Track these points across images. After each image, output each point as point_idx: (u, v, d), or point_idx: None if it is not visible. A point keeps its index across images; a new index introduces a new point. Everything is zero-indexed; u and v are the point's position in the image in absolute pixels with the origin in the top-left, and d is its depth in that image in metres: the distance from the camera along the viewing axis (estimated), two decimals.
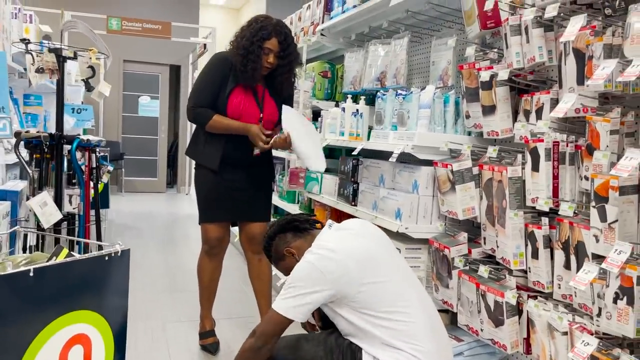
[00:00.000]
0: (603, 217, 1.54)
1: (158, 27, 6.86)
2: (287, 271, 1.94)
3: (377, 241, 1.93)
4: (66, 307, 1.28)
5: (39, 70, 2.66)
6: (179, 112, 9.89)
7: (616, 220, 1.49)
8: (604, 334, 1.61)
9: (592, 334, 1.60)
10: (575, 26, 1.62)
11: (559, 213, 1.73)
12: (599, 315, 1.56)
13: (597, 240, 1.57)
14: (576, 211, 1.72)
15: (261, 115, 2.60)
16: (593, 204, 1.57)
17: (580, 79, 1.73)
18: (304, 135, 2.59)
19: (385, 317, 1.74)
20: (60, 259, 1.33)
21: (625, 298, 1.44)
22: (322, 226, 2.01)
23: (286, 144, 2.52)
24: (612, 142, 1.61)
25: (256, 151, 2.59)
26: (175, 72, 9.71)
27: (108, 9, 8.15)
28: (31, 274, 1.17)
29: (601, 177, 1.54)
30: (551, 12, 1.72)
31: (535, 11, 1.83)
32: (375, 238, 1.94)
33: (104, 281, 1.38)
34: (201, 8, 9.56)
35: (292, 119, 2.57)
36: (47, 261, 1.31)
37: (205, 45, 7.63)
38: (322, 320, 2.07)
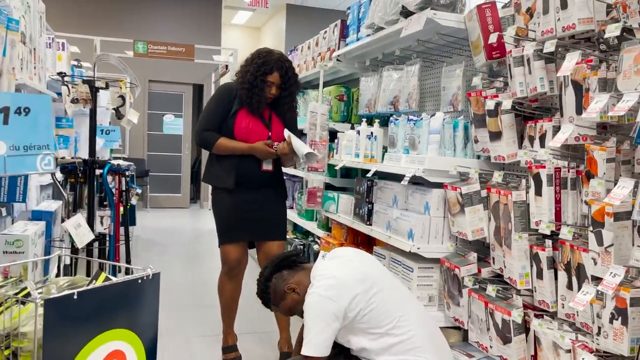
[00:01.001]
0: (600, 241, 1.64)
1: (182, 49, 7.11)
2: (289, 311, 2.06)
3: (370, 263, 2.06)
4: (104, 326, 1.42)
5: (74, 101, 2.85)
6: None
7: (612, 245, 1.59)
8: (604, 352, 1.69)
9: (592, 352, 1.68)
10: (571, 62, 1.73)
11: (559, 236, 1.82)
12: (598, 334, 1.65)
13: (595, 263, 1.66)
14: (576, 234, 1.81)
15: (270, 134, 2.77)
16: (591, 228, 1.67)
17: (579, 109, 1.83)
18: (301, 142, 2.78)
19: (389, 333, 1.86)
20: (99, 282, 1.48)
21: (620, 318, 1.53)
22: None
23: (289, 148, 2.69)
24: (609, 169, 1.71)
25: (267, 166, 2.75)
26: (198, 91, 9.99)
27: (135, 33, 8.47)
28: (75, 297, 1.32)
29: (597, 204, 1.63)
30: (549, 47, 1.83)
31: (535, 45, 1.95)
32: (368, 261, 2.07)
33: (137, 302, 1.53)
34: (223, 27, 9.84)
35: (295, 140, 2.75)
36: (88, 285, 1.46)
37: (227, 65, 7.86)
38: None
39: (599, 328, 1.64)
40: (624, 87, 1.59)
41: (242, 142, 2.73)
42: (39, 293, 1.48)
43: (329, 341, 1.86)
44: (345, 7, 7.31)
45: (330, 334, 1.86)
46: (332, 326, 1.84)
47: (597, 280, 1.65)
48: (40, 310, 1.29)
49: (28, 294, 1.41)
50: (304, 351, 1.86)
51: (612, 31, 1.57)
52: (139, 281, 1.53)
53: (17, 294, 1.40)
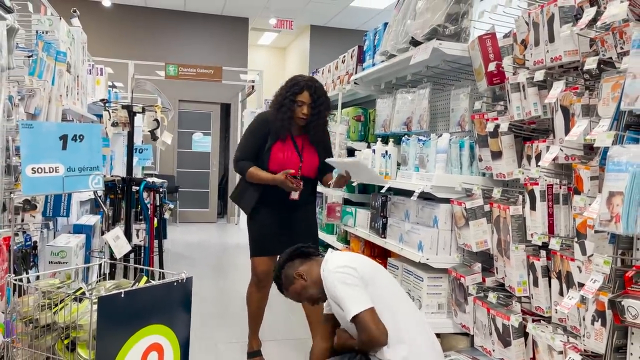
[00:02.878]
0: (583, 250, 1.82)
1: (210, 71, 7.48)
2: (298, 296, 2.27)
3: (372, 267, 2.26)
4: (145, 321, 1.67)
5: (114, 124, 3.16)
6: (229, 147, 10.50)
7: (592, 254, 1.76)
8: (592, 352, 1.86)
9: (579, 352, 1.85)
10: (556, 90, 1.92)
11: (549, 247, 2.00)
12: (584, 335, 1.82)
13: (580, 271, 1.84)
14: (565, 245, 1.98)
15: (301, 163, 2.92)
16: (576, 239, 1.85)
17: (567, 131, 2.01)
18: (354, 167, 2.90)
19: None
20: (141, 284, 1.73)
21: (600, 320, 1.70)
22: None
23: (344, 180, 2.86)
24: (593, 186, 1.88)
25: (294, 196, 2.90)
26: (226, 110, 10.36)
27: (166, 56, 8.90)
28: (122, 296, 1.57)
29: (581, 217, 1.82)
30: (539, 76, 2.03)
31: (527, 74, 2.15)
32: (371, 264, 2.28)
33: (173, 301, 1.77)
34: (250, 48, 10.23)
35: (338, 162, 2.93)
36: (132, 286, 1.71)
37: (253, 85, 8.19)
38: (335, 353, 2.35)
39: (585, 330, 1.81)
40: (603, 112, 1.78)
41: (268, 173, 2.85)
42: (91, 293, 1.74)
43: (365, 296, 2.01)
44: (367, 27, 7.56)
45: (362, 290, 2.02)
46: (359, 284, 2.02)
47: (582, 286, 1.82)
48: (94, 307, 1.54)
49: (83, 294, 1.67)
50: (354, 311, 1.98)
51: (590, 64, 1.76)
52: (175, 284, 1.77)
53: (74, 293, 1.66)
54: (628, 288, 1.42)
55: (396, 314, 2.06)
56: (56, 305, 1.64)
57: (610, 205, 1.38)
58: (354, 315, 1.98)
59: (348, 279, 2.05)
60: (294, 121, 2.86)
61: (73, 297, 1.62)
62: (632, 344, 1.47)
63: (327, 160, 2.88)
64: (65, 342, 1.60)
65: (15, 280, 1.71)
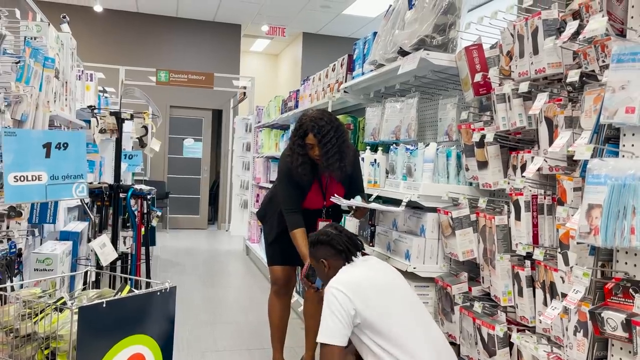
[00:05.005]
0: (566, 261, 1.82)
1: (202, 77, 7.48)
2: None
3: (391, 277, 2.26)
4: (128, 331, 1.65)
5: (102, 131, 3.14)
6: (220, 153, 10.49)
7: (575, 264, 1.77)
8: None
9: None
10: (540, 101, 1.94)
11: (533, 257, 2.01)
12: (567, 346, 1.83)
13: (564, 281, 1.85)
14: (549, 256, 2.00)
15: (324, 202, 2.94)
16: (559, 250, 1.86)
17: (551, 143, 2.03)
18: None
19: (393, 342, 2.06)
20: (124, 293, 1.71)
21: (582, 331, 1.71)
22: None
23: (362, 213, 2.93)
24: (576, 197, 1.90)
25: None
26: (218, 116, 10.36)
27: (157, 62, 8.90)
28: (104, 305, 1.56)
29: (563, 228, 1.83)
30: (523, 88, 2.05)
31: (512, 85, 2.17)
32: (389, 274, 2.29)
33: (156, 311, 1.75)
34: (242, 54, 10.24)
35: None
36: (114, 296, 1.69)
37: (244, 92, 8.20)
38: None
39: (567, 340, 1.81)
40: (585, 124, 1.79)
41: (305, 249, 2.71)
42: (72, 303, 1.72)
43: (343, 332, 2.04)
44: (359, 35, 7.59)
45: (344, 325, 2.04)
46: (345, 318, 2.04)
47: (565, 296, 1.83)
48: (75, 317, 1.53)
49: (64, 303, 1.65)
50: (323, 340, 2.03)
51: (572, 76, 1.78)
52: (158, 293, 1.76)
53: (54, 303, 1.64)
54: (608, 300, 1.42)
55: (399, 342, 2.07)
56: (37, 315, 1.63)
57: (590, 217, 1.39)
58: (321, 342, 2.05)
59: (335, 307, 2.06)
60: (314, 161, 2.82)
61: (54, 306, 1.61)
62: (612, 355, 1.48)
63: (333, 199, 2.83)
64: (46, 352, 1.58)
65: None
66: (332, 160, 2.76)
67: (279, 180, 3.01)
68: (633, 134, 1.41)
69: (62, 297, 1.67)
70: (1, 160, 2.30)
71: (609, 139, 1.53)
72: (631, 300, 1.45)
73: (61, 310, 1.62)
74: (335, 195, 2.83)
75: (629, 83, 1.35)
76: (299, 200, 2.90)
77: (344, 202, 2.84)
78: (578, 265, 1.61)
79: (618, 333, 1.35)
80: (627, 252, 1.45)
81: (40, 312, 1.63)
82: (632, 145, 1.41)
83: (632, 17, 1.42)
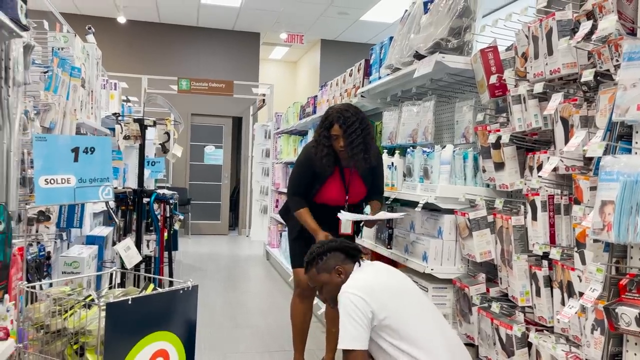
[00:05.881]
0: (583, 260, 1.83)
1: (222, 85, 7.60)
2: (322, 284, 2.31)
3: (399, 280, 2.28)
4: (152, 328, 1.71)
5: (126, 137, 3.24)
6: (240, 159, 10.61)
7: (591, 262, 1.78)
8: None
9: None
10: (555, 101, 1.96)
11: (550, 257, 2.02)
12: (585, 345, 1.83)
13: (581, 280, 1.86)
14: (566, 255, 2.00)
15: (347, 197, 2.96)
16: (575, 249, 1.87)
17: (567, 142, 2.04)
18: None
19: (412, 346, 2.07)
20: (148, 291, 1.78)
21: (599, 329, 1.71)
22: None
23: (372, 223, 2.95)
24: (592, 196, 1.89)
25: (346, 230, 2.84)
26: (238, 123, 10.49)
27: (179, 70, 9.07)
28: (130, 302, 1.62)
29: (580, 227, 1.84)
30: (538, 89, 2.07)
31: (527, 86, 2.18)
32: (398, 277, 2.30)
33: (179, 309, 1.81)
34: (261, 62, 10.37)
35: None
36: (139, 293, 1.76)
37: (264, 99, 8.30)
38: None
39: (585, 339, 1.82)
40: (600, 124, 1.80)
41: (313, 224, 2.85)
42: (100, 300, 1.79)
43: (364, 335, 2.06)
44: (376, 41, 7.64)
45: (364, 329, 2.05)
46: (364, 321, 2.05)
47: (582, 295, 1.83)
48: (102, 313, 1.59)
49: (92, 300, 1.72)
50: (345, 346, 2.05)
51: (587, 76, 1.80)
52: (181, 292, 1.82)
53: (83, 300, 1.71)
54: (622, 295, 1.43)
55: (416, 342, 2.08)
56: (66, 311, 1.70)
57: (603, 214, 1.41)
58: (344, 348, 2.05)
59: (353, 311, 2.07)
60: (338, 154, 2.87)
61: (82, 303, 1.68)
62: (627, 351, 1.48)
63: (339, 215, 2.84)
64: (75, 347, 1.65)
65: (28, 287, 1.77)
66: (356, 151, 2.80)
67: (295, 167, 3.06)
68: None
69: (90, 295, 1.74)
70: (31, 167, 2.40)
71: (622, 136, 1.54)
72: None
73: (89, 307, 1.69)
74: (341, 211, 2.85)
75: None
76: (307, 190, 2.94)
77: (349, 217, 2.85)
78: (592, 262, 1.62)
79: (632, 328, 1.36)
80: None
81: (70, 309, 1.70)
82: None
83: None
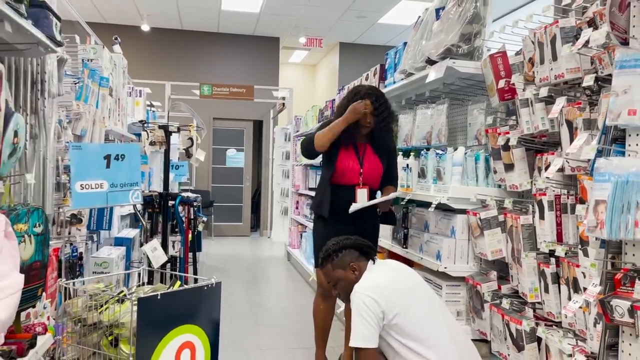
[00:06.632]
0: (587, 256, 1.91)
1: (243, 90, 7.77)
2: (337, 281, 2.38)
3: (411, 278, 2.38)
4: (179, 321, 1.85)
5: (152, 143, 3.40)
6: (261, 162, 10.79)
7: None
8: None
9: (585, 354, 1.94)
10: (558, 105, 2.04)
11: (556, 254, 2.10)
12: (589, 338, 1.91)
13: (585, 276, 1.94)
14: (572, 253, 2.08)
15: (361, 170, 2.94)
16: (579, 246, 1.95)
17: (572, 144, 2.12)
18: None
19: (420, 345, 2.16)
20: (175, 288, 1.92)
21: (600, 322, 1.79)
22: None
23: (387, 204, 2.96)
24: None
25: (354, 208, 2.80)
26: (258, 126, 10.67)
27: (201, 76, 9.28)
28: (159, 297, 1.76)
29: (583, 225, 1.92)
30: (543, 93, 2.15)
31: (534, 90, 2.27)
32: (409, 275, 2.40)
33: (204, 304, 1.95)
34: (280, 66, 10.53)
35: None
36: (167, 289, 1.90)
37: (284, 103, 8.45)
38: None
39: (589, 332, 1.90)
40: (602, 126, 1.88)
41: (336, 121, 2.85)
42: (132, 295, 1.94)
43: (375, 334, 2.15)
44: (395, 43, 7.70)
45: (375, 328, 2.14)
46: (375, 320, 2.14)
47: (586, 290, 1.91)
48: (134, 307, 1.74)
49: (125, 296, 1.87)
50: (356, 344, 2.14)
51: (588, 81, 1.88)
52: (205, 288, 1.96)
53: (117, 295, 1.86)
54: (617, 289, 1.52)
55: (425, 340, 2.16)
56: (101, 306, 1.85)
57: (596, 212, 1.49)
58: (355, 346, 2.13)
59: (364, 311, 2.15)
60: (358, 130, 2.91)
61: (116, 298, 1.82)
62: (622, 341, 1.56)
63: (352, 210, 2.86)
64: (110, 338, 1.80)
65: (66, 284, 1.93)
66: (386, 122, 2.91)
67: (317, 129, 3.02)
68: (637, 134, 1.50)
69: (122, 291, 1.89)
70: (66, 172, 2.57)
71: (616, 139, 1.62)
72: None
73: (122, 302, 1.84)
74: (353, 203, 2.87)
75: (631, 87, 1.45)
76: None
77: (359, 206, 2.86)
78: (584, 257, 1.71)
79: (625, 319, 1.44)
80: (634, 245, 1.54)
81: (104, 304, 1.85)
82: (637, 144, 1.50)
83: (633, 26, 1.52)
